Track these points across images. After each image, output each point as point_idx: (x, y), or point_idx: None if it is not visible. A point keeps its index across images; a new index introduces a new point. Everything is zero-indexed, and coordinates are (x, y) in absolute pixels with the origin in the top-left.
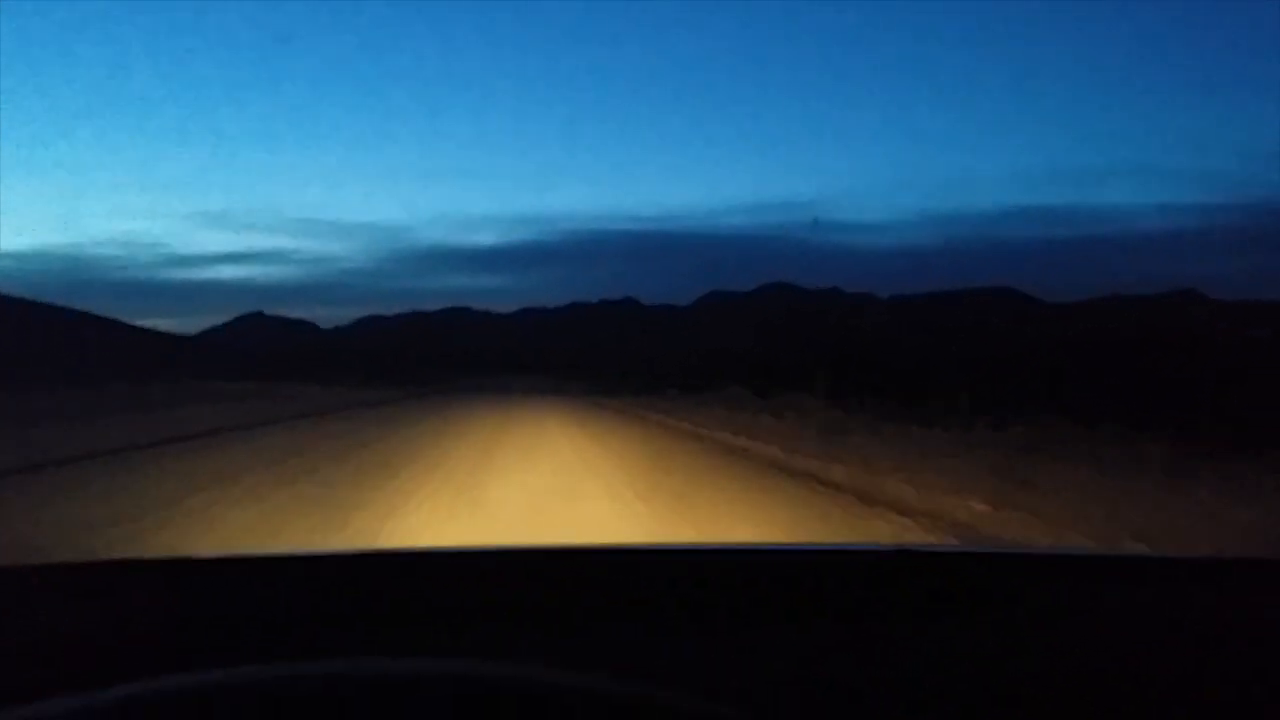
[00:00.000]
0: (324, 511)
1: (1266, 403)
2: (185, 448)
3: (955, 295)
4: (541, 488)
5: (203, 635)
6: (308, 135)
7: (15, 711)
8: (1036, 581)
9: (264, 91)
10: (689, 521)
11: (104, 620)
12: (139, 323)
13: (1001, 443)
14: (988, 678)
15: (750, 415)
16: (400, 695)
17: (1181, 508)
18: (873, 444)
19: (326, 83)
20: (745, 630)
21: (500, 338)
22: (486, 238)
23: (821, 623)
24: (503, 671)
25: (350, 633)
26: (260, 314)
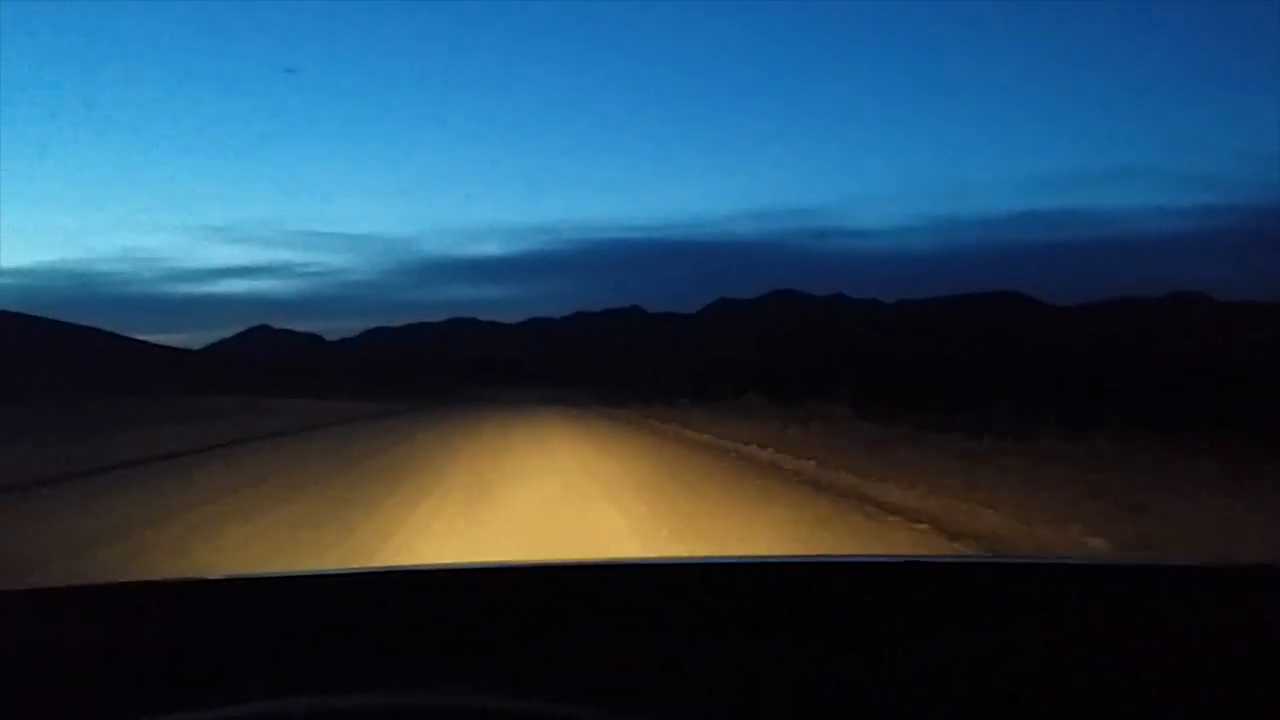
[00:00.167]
0: None
1: None
2: (83, 485)
3: (961, 300)
4: (551, 527)
5: (199, 657)
6: (311, 148)
7: None
8: (1047, 590)
9: (267, 105)
10: None
11: (102, 643)
12: (145, 337)
13: (1071, 456)
14: (997, 685)
15: (775, 426)
16: None
17: None
18: (922, 458)
19: (330, 96)
20: (755, 641)
21: (506, 348)
22: (491, 248)
23: (832, 632)
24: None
25: (352, 651)
26: (266, 327)
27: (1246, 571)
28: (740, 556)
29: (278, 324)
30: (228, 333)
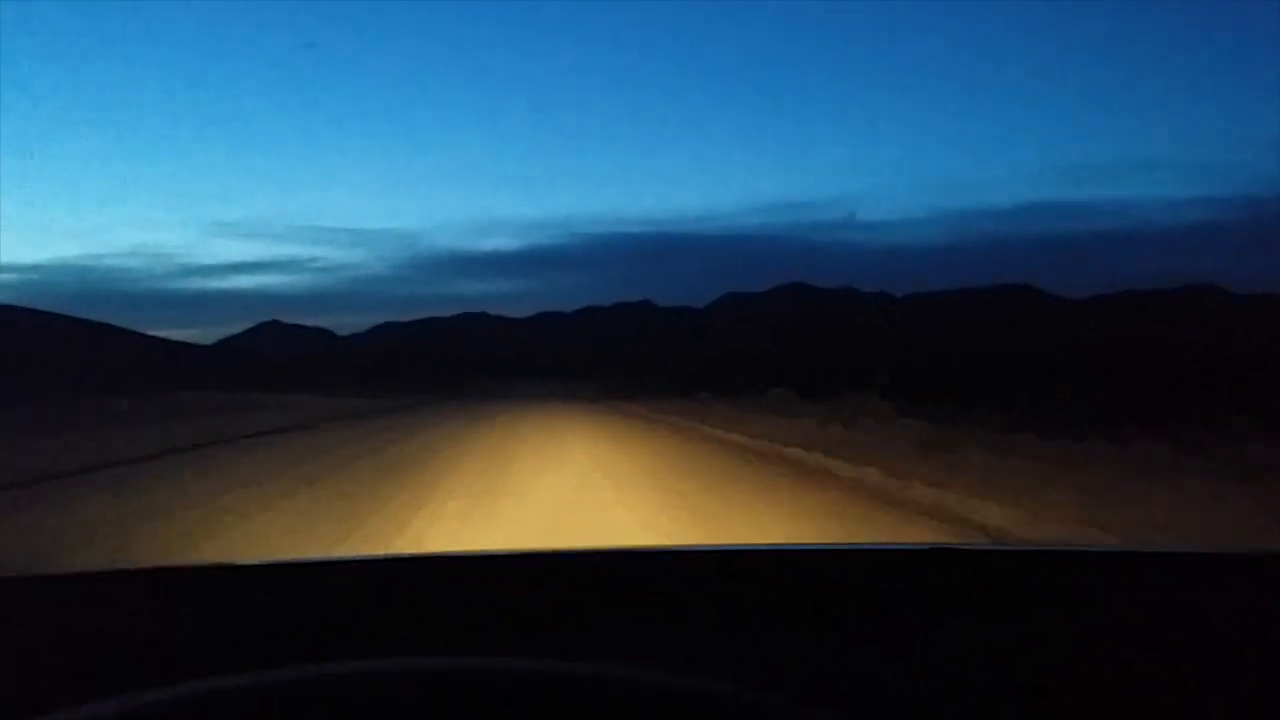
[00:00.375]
0: None
1: None
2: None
3: (971, 293)
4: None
5: (211, 642)
6: (321, 143)
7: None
8: (1071, 579)
9: (277, 100)
10: None
11: (111, 629)
12: (156, 333)
13: (1217, 460)
14: (1020, 674)
15: (814, 424)
16: (449, 691)
17: None
18: (1001, 465)
19: (340, 91)
20: (774, 629)
21: (516, 342)
22: (500, 243)
23: (857, 618)
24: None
25: (364, 638)
26: (277, 322)
27: (1274, 559)
28: (758, 544)
29: (288, 319)
30: (238, 328)
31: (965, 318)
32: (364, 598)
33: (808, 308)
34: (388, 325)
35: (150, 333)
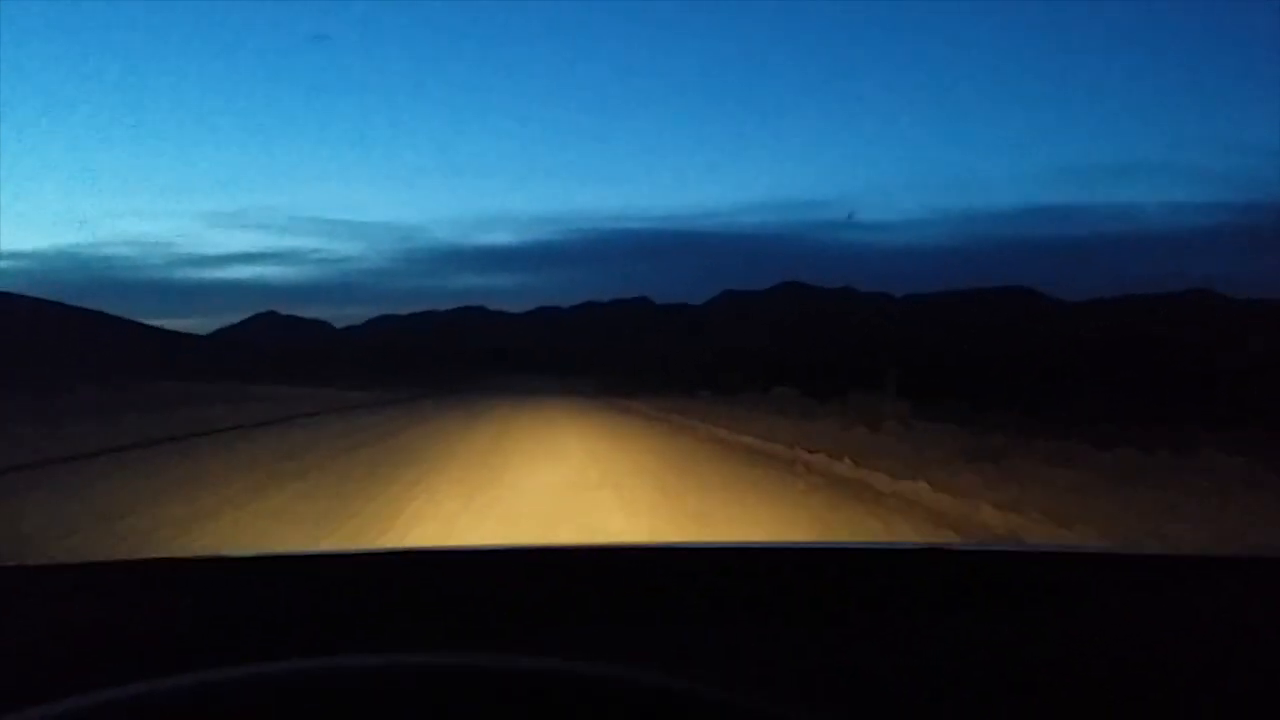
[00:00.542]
0: None
1: None
2: None
3: (971, 294)
4: None
5: (207, 634)
6: (321, 135)
7: (31, 711)
8: (1064, 579)
9: (277, 91)
10: None
11: (106, 620)
12: (152, 322)
13: None
14: (1013, 672)
15: (830, 426)
16: (443, 688)
17: None
18: (1068, 478)
19: (339, 82)
20: (775, 623)
21: (513, 337)
22: (500, 237)
23: (852, 615)
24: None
25: (361, 632)
26: (274, 313)
27: (1266, 562)
28: (754, 542)
29: (285, 310)
30: (235, 318)
31: (964, 318)
32: (361, 591)
33: (806, 307)
34: (385, 318)
35: (147, 322)
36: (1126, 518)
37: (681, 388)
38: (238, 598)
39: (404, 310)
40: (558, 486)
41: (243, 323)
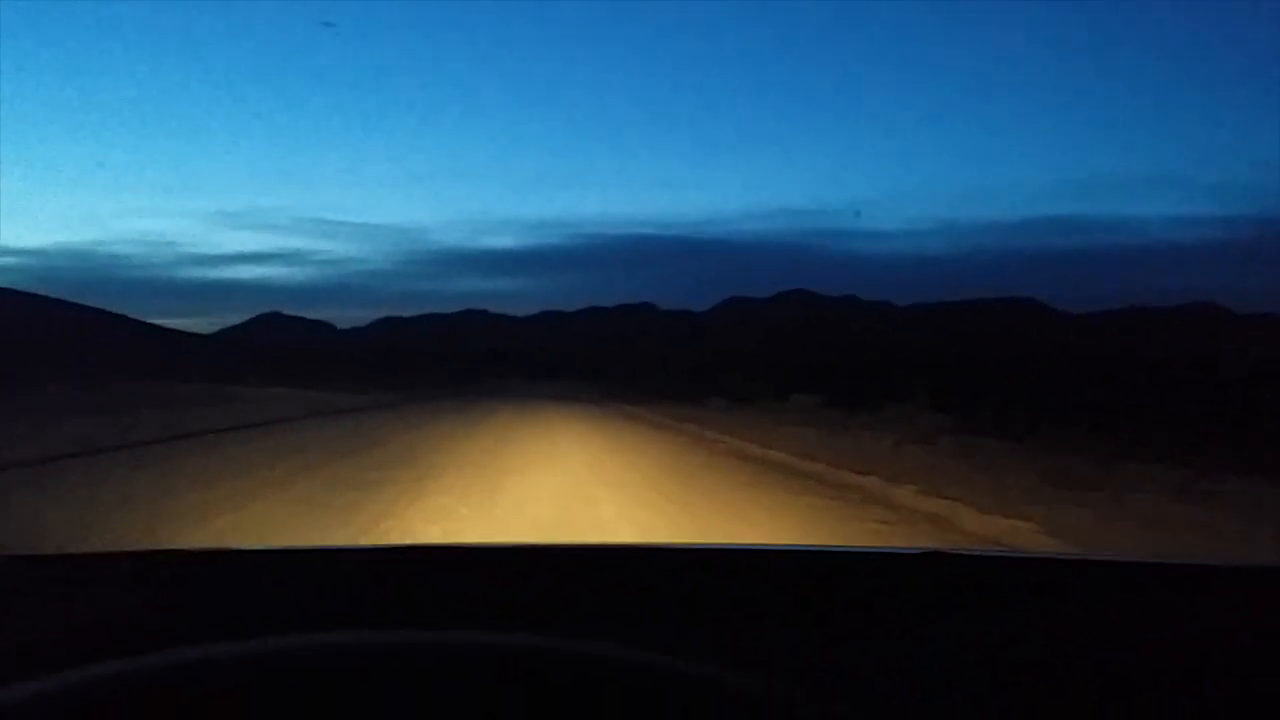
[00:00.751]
0: None
1: None
2: None
3: (974, 304)
4: None
5: (203, 628)
6: (327, 136)
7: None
8: (1056, 584)
9: (283, 92)
10: None
11: (107, 611)
12: (157, 321)
13: None
14: (1001, 670)
15: (874, 442)
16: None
17: None
18: (1190, 512)
19: (345, 84)
20: (770, 623)
21: (517, 340)
22: (505, 241)
23: (847, 616)
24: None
25: (357, 626)
26: (278, 314)
27: (1256, 571)
28: (750, 544)
29: (289, 311)
30: (239, 318)
31: (968, 328)
32: (358, 586)
33: (810, 314)
34: (389, 320)
35: (151, 321)
36: None
37: (690, 394)
38: (232, 590)
39: (407, 313)
40: (560, 524)
41: (246, 323)
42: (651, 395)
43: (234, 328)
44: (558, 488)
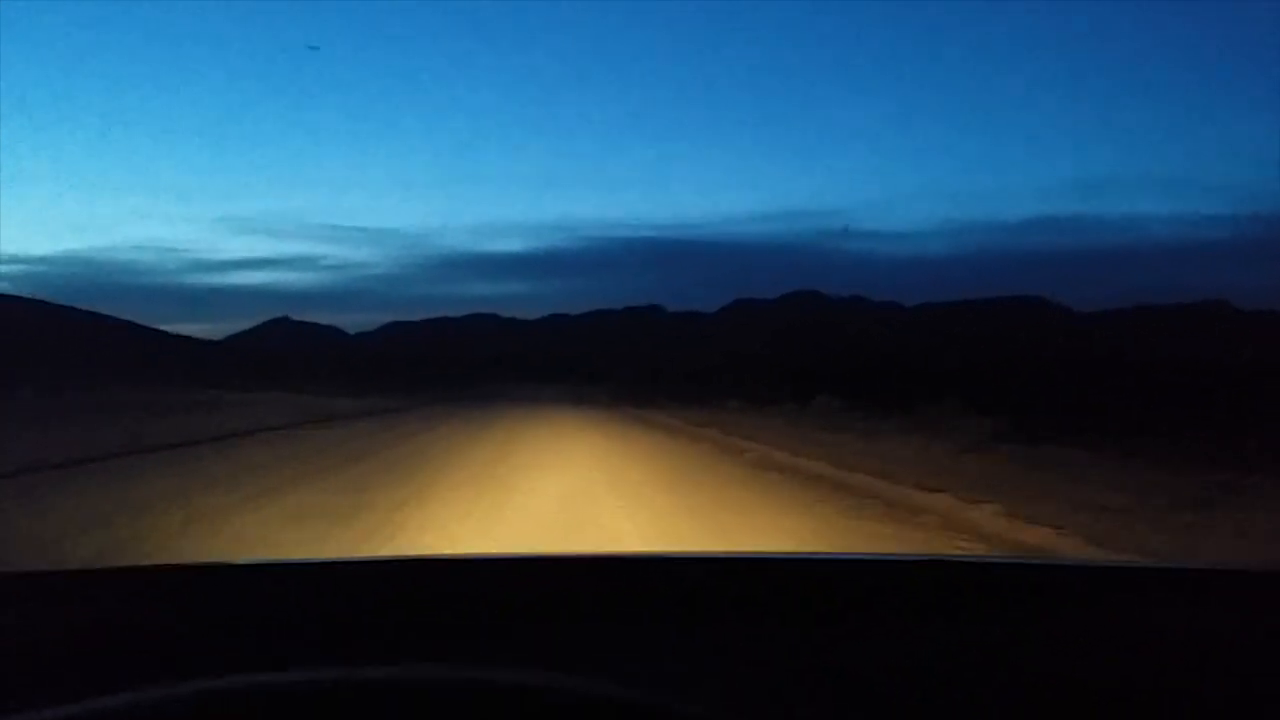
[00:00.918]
0: None
1: None
2: None
3: (981, 304)
4: None
5: (207, 642)
6: (334, 141)
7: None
8: (1057, 591)
9: (290, 97)
10: None
11: (106, 626)
12: (165, 328)
13: None
14: (1003, 679)
15: (923, 450)
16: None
17: None
18: None
19: (352, 89)
20: (768, 639)
21: (525, 344)
22: (512, 244)
23: (843, 625)
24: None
25: (363, 639)
26: (287, 319)
27: (1253, 576)
28: (744, 552)
29: (298, 316)
30: (249, 324)
31: (973, 329)
32: (357, 599)
33: (817, 315)
34: (398, 324)
35: (159, 327)
36: None
37: (704, 396)
38: (229, 605)
39: (416, 317)
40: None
41: (256, 328)
42: (663, 398)
43: (243, 333)
44: (573, 519)
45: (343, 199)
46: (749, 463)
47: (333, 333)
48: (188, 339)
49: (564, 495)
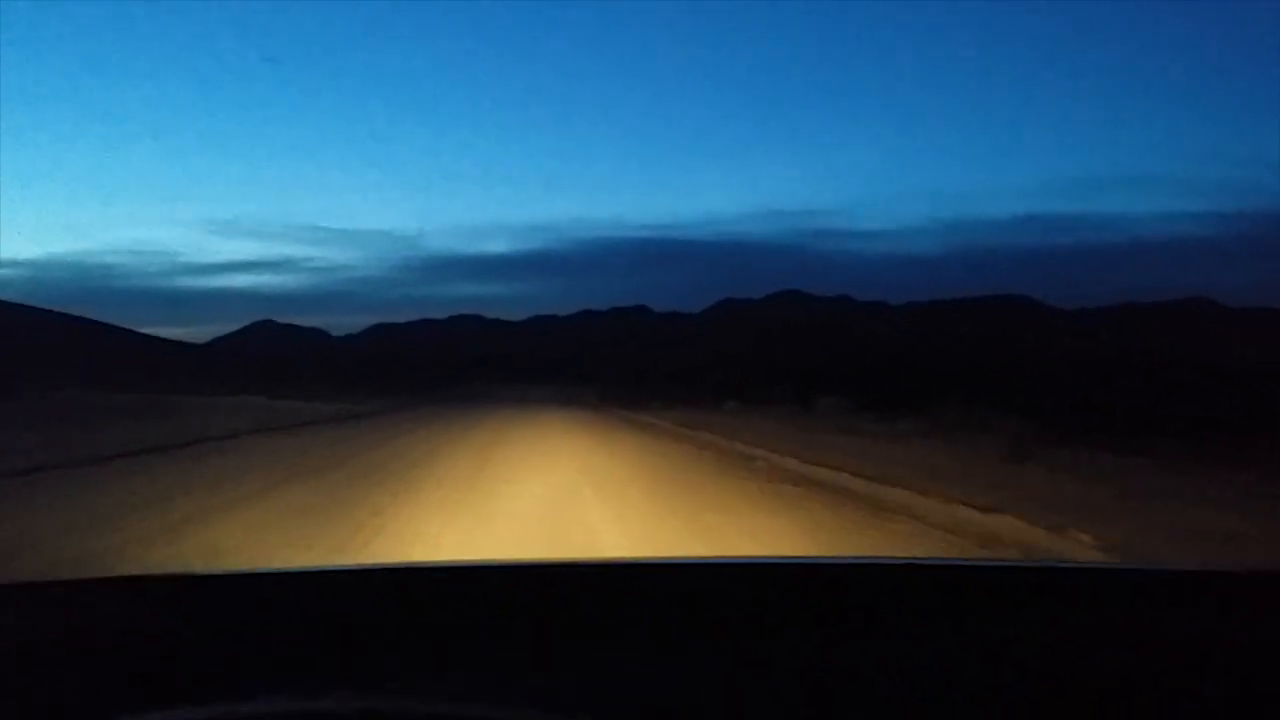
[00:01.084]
0: None
1: None
2: None
3: (967, 303)
4: None
5: (209, 653)
6: (318, 143)
7: None
8: (1042, 594)
9: (273, 99)
10: None
11: (111, 638)
12: (149, 330)
13: None
14: (989, 688)
15: (949, 455)
16: None
17: None
18: None
19: (337, 91)
20: (752, 643)
21: (511, 345)
22: (497, 245)
23: (836, 635)
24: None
25: (359, 649)
26: (271, 321)
27: (1253, 576)
28: (736, 557)
29: (282, 319)
30: (232, 327)
31: (959, 328)
32: (354, 606)
33: (803, 315)
34: (382, 326)
35: (143, 330)
36: None
37: (695, 397)
38: (228, 613)
39: (401, 319)
40: None
41: (239, 331)
42: (654, 398)
43: (226, 336)
44: (565, 551)
45: (327, 201)
46: (758, 470)
47: (317, 335)
48: (170, 342)
49: (555, 528)
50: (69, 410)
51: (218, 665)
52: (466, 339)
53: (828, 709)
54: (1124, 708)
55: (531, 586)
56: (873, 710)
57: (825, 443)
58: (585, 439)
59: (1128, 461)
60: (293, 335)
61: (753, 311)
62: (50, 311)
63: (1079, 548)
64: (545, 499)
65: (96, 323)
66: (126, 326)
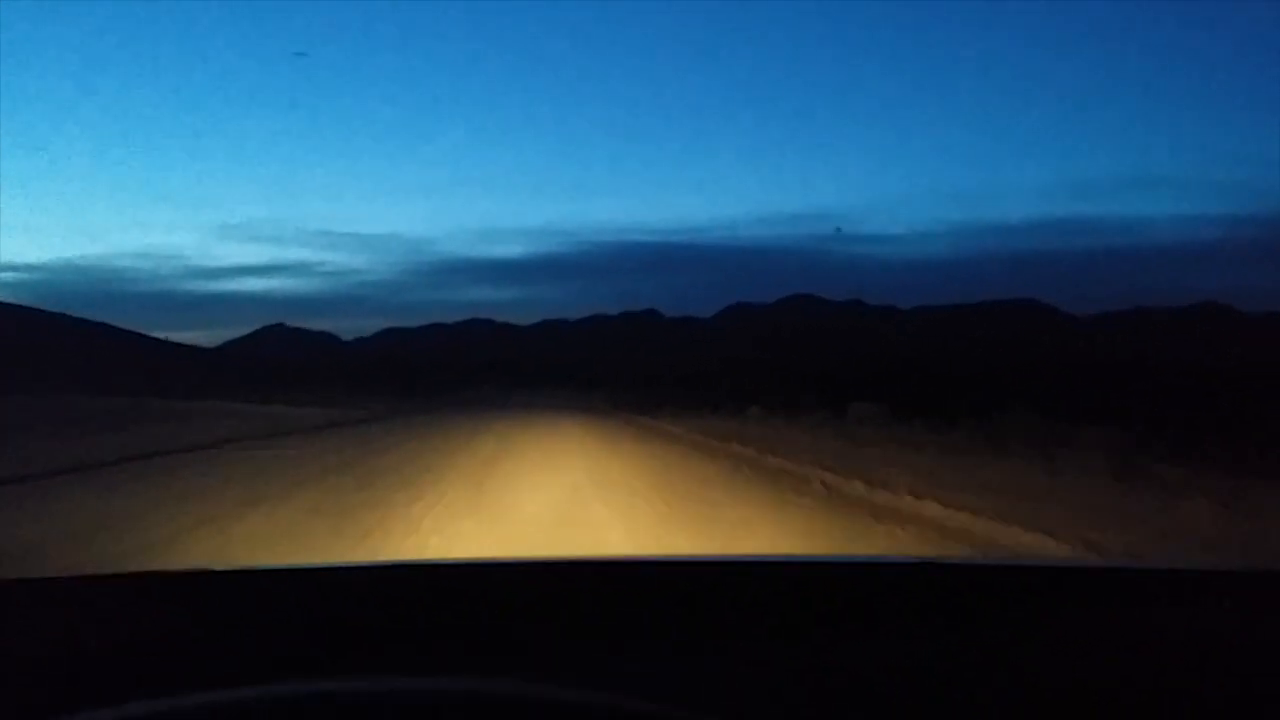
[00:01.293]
0: None
1: None
2: None
3: (978, 307)
4: None
5: (212, 648)
6: (329, 148)
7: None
8: (1042, 594)
9: (285, 104)
10: None
11: (117, 634)
12: (160, 335)
13: None
14: (989, 688)
15: (1031, 476)
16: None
17: None
18: None
19: (348, 95)
20: (764, 642)
21: (521, 349)
22: (508, 250)
23: (840, 633)
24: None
25: (366, 645)
26: (282, 325)
27: (1253, 576)
28: (748, 556)
29: (293, 323)
30: (243, 331)
31: (971, 332)
32: (361, 602)
33: (814, 319)
34: (393, 330)
35: (154, 334)
36: None
37: (714, 402)
38: (235, 609)
39: (412, 323)
40: None
41: (251, 335)
42: (668, 404)
43: (237, 340)
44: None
45: (338, 205)
46: (813, 495)
47: (328, 339)
48: (181, 346)
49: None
50: (40, 416)
51: (222, 660)
52: (477, 343)
53: (828, 708)
54: (1124, 708)
55: (536, 584)
56: (873, 710)
57: (880, 457)
58: (601, 451)
59: (1247, 484)
60: (303, 339)
61: (764, 316)
62: (62, 315)
63: None
64: (559, 536)
65: (108, 326)
66: (138, 330)
